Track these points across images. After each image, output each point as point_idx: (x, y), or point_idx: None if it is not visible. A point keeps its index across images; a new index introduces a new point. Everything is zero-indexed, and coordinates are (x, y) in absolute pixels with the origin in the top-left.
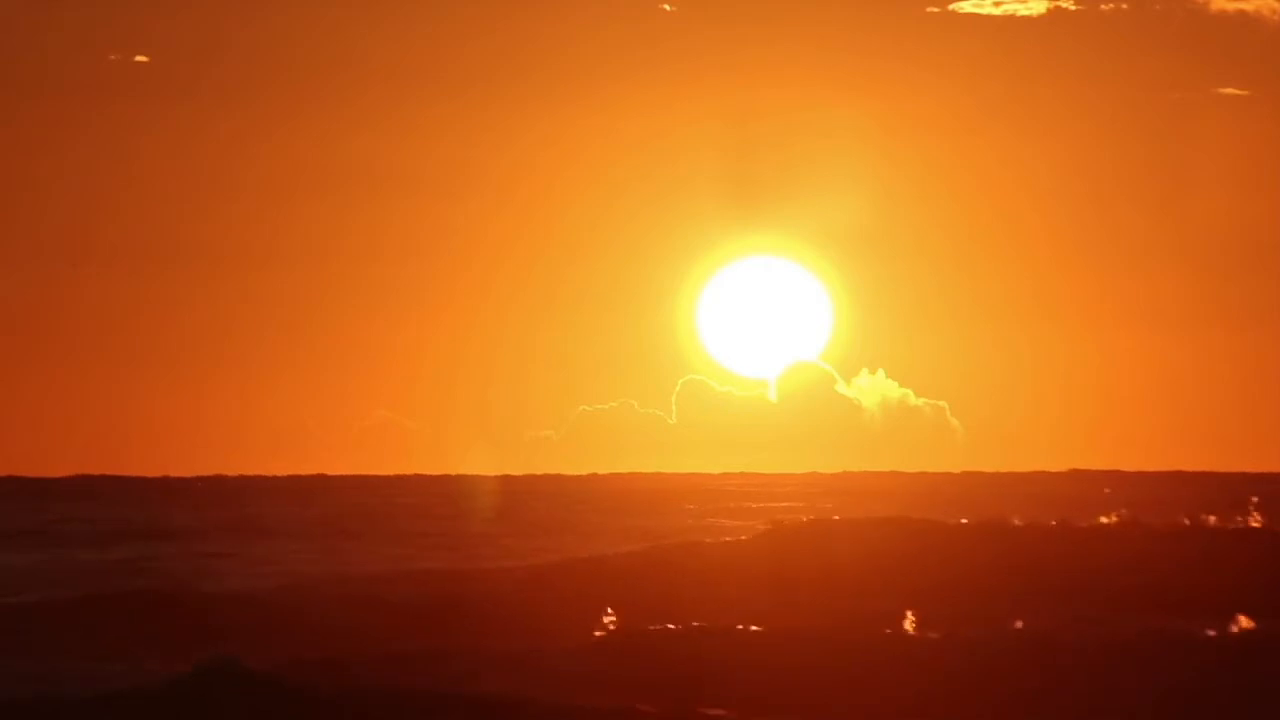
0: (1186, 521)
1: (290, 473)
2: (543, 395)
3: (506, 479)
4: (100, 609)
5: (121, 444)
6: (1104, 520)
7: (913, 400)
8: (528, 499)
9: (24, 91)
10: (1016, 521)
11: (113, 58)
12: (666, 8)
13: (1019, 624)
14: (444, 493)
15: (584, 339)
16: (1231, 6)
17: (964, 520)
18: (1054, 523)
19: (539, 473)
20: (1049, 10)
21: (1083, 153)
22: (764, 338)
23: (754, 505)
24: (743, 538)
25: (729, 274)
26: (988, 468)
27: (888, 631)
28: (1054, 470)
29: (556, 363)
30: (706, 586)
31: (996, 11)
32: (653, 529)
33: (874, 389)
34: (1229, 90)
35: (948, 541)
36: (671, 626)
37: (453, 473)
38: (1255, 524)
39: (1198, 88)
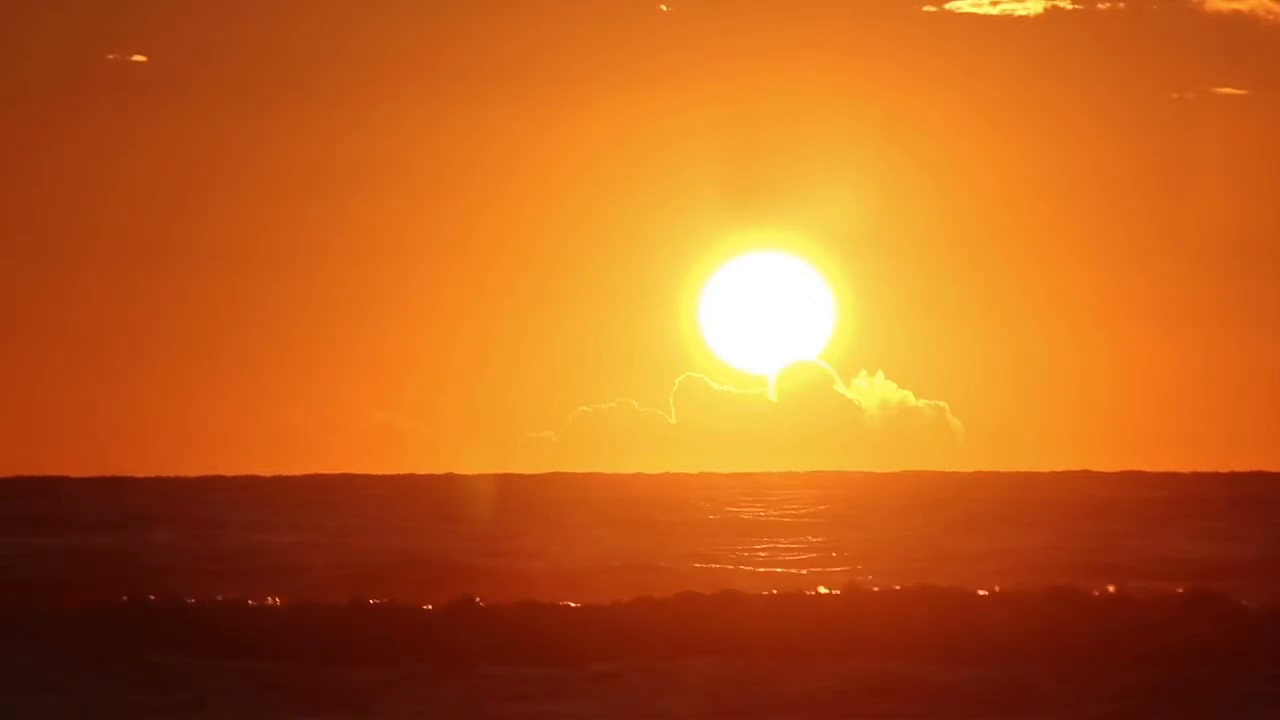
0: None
1: (289, 473)
2: (542, 396)
3: (507, 478)
4: None
5: (119, 444)
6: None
7: (913, 401)
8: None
9: (21, 91)
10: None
11: (110, 57)
12: (663, 8)
13: None
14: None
15: (583, 338)
16: (1227, 6)
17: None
18: None
19: (539, 472)
20: (1046, 10)
21: (1080, 152)
22: (764, 335)
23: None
24: None
25: (727, 272)
26: (988, 467)
27: None
28: (1055, 471)
29: (555, 363)
30: None
31: (993, 11)
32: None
33: (873, 390)
34: (1227, 90)
35: None
36: None
37: (451, 472)
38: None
39: (1196, 87)
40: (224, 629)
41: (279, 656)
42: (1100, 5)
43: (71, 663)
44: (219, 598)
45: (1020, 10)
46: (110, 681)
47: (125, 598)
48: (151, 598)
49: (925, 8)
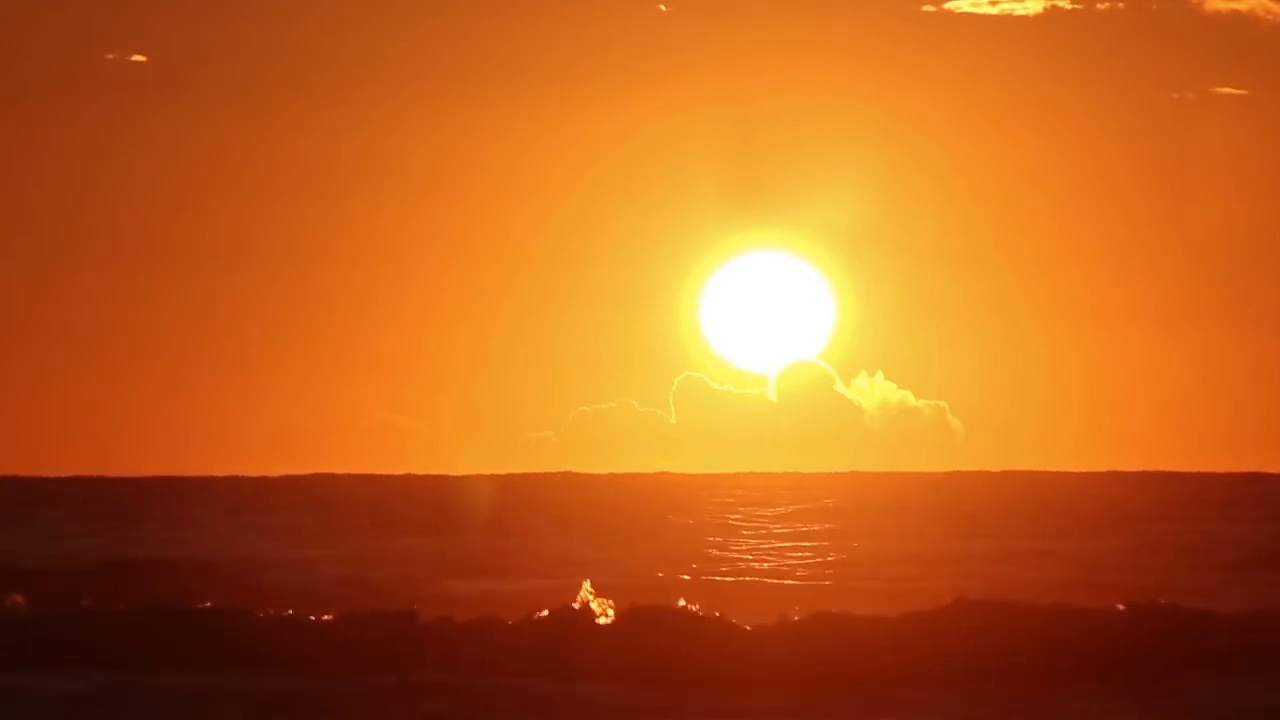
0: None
1: (289, 473)
2: (542, 396)
3: (507, 478)
4: None
5: (118, 444)
6: None
7: (913, 402)
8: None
9: (21, 91)
10: None
11: (110, 57)
12: (662, 8)
13: None
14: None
15: (583, 338)
16: (1227, 6)
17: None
18: None
19: (539, 472)
20: (1045, 9)
21: (1080, 152)
22: (764, 335)
23: None
24: None
25: (727, 272)
26: (988, 467)
27: None
28: (1055, 471)
29: (555, 363)
30: None
31: (993, 10)
32: None
33: (873, 390)
34: (1227, 90)
35: None
36: None
37: (452, 473)
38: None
39: (1196, 87)
40: None
41: None
42: (1100, 5)
43: None
44: None
45: (1020, 10)
46: None
47: None
48: None
49: (924, 7)
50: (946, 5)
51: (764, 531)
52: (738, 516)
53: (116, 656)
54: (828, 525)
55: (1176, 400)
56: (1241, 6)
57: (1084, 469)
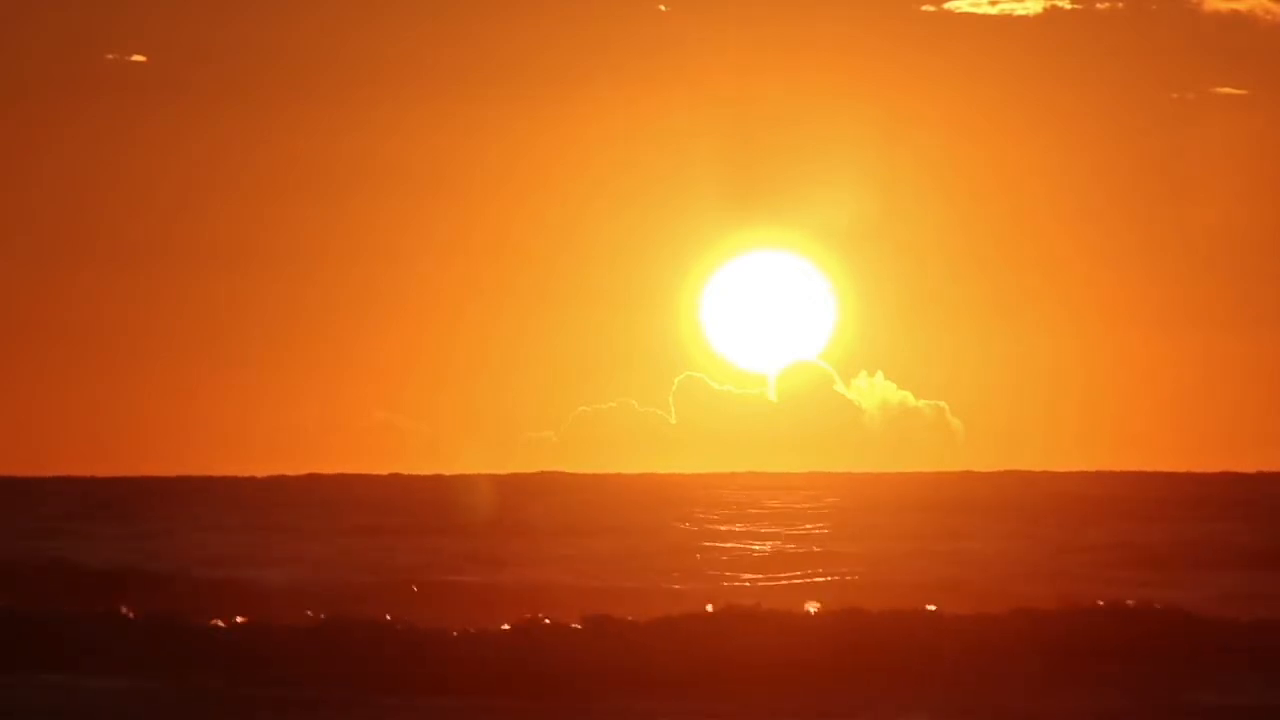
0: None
1: (289, 473)
2: (542, 396)
3: (506, 478)
4: None
5: (117, 444)
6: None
7: (913, 402)
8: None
9: (21, 91)
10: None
11: (110, 57)
12: (662, 8)
13: None
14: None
15: (583, 338)
16: (1226, 6)
17: None
18: None
19: (539, 472)
20: (1045, 9)
21: (1080, 152)
22: (764, 334)
23: None
24: None
25: (728, 272)
26: (988, 467)
27: None
28: (1055, 471)
29: (555, 363)
30: None
31: (992, 10)
32: None
33: (873, 391)
34: (1227, 90)
35: None
36: None
37: (451, 473)
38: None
39: (1196, 87)
40: None
41: None
42: (1100, 5)
43: None
44: None
45: (1019, 10)
46: None
47: None
48: None
49: (924, 7)
50: (946, 5)
51: (758, 532)
52: (731, 517)
53: None
54: (823, 526)
55: (1176, 400)
56: (1241, 6)
57: (1084, 469)
